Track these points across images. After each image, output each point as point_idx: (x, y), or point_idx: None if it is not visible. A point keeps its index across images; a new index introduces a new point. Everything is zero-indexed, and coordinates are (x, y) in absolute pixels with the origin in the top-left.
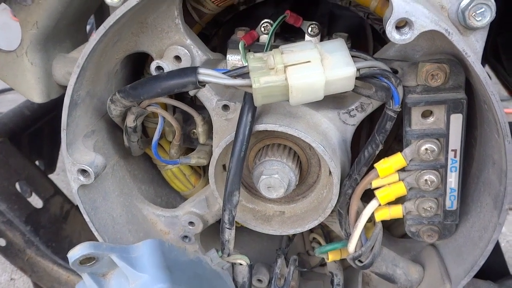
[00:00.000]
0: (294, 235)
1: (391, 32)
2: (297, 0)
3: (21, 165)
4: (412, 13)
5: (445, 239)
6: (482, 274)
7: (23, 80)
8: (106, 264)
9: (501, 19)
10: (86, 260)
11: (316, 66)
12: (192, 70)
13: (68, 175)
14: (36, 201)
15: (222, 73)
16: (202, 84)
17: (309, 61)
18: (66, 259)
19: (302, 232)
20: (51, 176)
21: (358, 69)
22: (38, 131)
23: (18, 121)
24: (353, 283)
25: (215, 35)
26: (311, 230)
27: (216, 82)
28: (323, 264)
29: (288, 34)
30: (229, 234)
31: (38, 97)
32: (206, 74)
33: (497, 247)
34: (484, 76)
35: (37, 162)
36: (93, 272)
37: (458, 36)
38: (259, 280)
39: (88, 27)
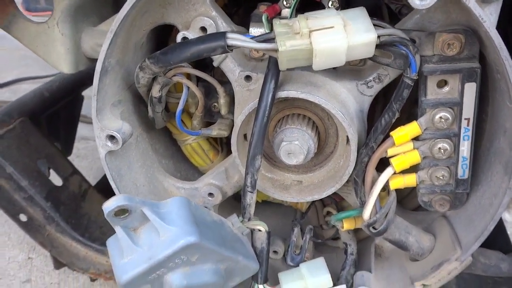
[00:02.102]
0: (308, 209)
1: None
2: None
3: (41, 144)
4: None
5: (456, 210)
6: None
7: (53, 51)
8: (138, 218)
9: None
10: (120, 212)
11: (339, 32)
12: (221, 34)
13: (96, 141)
14: (55, 180)
15: (249, 37)
16: (231, 48)
17: (332, 27)
18: (84, 236)
19: (316, 207)
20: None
21: (378, 36)
22: (55, 114)
23: (37, 101)
24: (365, 255)
25: (236, 14)
26: (324, 205)
27: (244, 45)
28: (336, 238)
29: (309, 9)
30: (251, 198)
31: (67, 67)
32: (234, 38)
33: (501, 224)
34: (499, 41)
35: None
36: (125, 225)
37: (474, 3)
38: (275, 252)
39: None
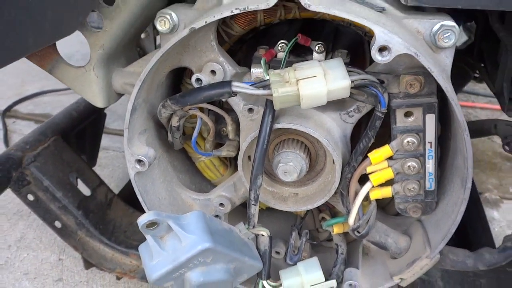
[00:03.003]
0: (305, 215)
1: (375, 55)
2: (307, 20)
3: (72, 159)
4: (389, 41)
5: (428, 215)
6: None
7: (89, 90)
8: (164, 229)
9: (484, 28)
10: (150, 225)
11: (320, 80)
12: (228, 83)
13: (127, 164)
14: (84, 191)
15: (250, 85)
16: (235, 93)
17: (315, 76)
18: (111, 239)
19: (313, 213)
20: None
21: (352, 81)
22: (82, 131)
23: (67, 121)
24: (354, 254)
25: (240, 50)
26: (320, 211)
27: (246, 92)
28: (329, 239)
29: (300, 50)
30: (254, 209)
31: (101, 103)
32: (238, 86)
33: (485, 223)
34: (445, 86)
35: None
36: (154, 234)
37: (424, 56)
38: (277, 252)
39: None
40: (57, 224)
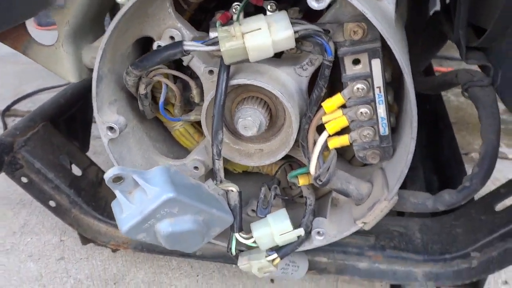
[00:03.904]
0: (276, 172)
1: (310, 1)
2: None
3: (61, 143)
4: None
5: (387, 161)
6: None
7: (61, 67)
8: (131, 184)
9: None
10: (116, 179)
11: (264, 32)
12: (179, 42)
13: (100, 132)
14: (76, 172)
15: (201, 43)
16: (187, 52)
17: (260, 28)
18: (104, 215)
19: (286, 171)
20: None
21: (296, 31)
22: (72, 117)
23: (55, 108)
24: (324, 206)
25: (204, 20)
26: (292, 168)
27: (196, 49)
28: (302, 196)
29: (257, 12)
30: (219, 164)
31: (73, 77)
32: (189, 45)
33: (461, 166)
34: (381, 28)
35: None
36: (122, 189)
37: (360, 2)
38: (253, 210)
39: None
40: (52, 203)
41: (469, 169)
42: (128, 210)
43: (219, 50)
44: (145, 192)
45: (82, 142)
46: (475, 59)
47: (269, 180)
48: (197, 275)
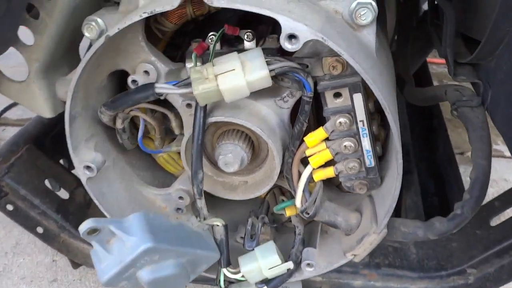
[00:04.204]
0: (264, 199)
1: (284, 43)
2: None
3: (47, 165)
4: (295, 29)
5: (375, 190)
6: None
7: (34, 102)
8: (108, 234)
9: None
10: (92, 231)
11: (238, 73)
12: (151, 85)
13: (77, 171)
14: (63, 194)
15: (173, 85)
16: (159, 94)
17: (233, 69)
18: None
19: (275, 195)
20: (74, 171)
21: (272, 70)
22: (58, 134)
23: (39, 128)
24: (314, 232)
25: (183, 43)
26: (282, 193)
27: (168, 92)
28: (291, 220)
29: (234, 40)
30: (200, 203)
31: (48, 113)
32: (160, 87)
33: (460, 183)
34: (358, 67)
35: (61, 161)
36: (99, 240)
37: (335, 39)
38: (242, 237)
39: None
40: (39, 229)
41: (464, 170)
42: (107, 261)
43: (192, 93)
44: (123, 241)
45: (70, 159)
46: (464, 75)
47: (257, 205)
48: None
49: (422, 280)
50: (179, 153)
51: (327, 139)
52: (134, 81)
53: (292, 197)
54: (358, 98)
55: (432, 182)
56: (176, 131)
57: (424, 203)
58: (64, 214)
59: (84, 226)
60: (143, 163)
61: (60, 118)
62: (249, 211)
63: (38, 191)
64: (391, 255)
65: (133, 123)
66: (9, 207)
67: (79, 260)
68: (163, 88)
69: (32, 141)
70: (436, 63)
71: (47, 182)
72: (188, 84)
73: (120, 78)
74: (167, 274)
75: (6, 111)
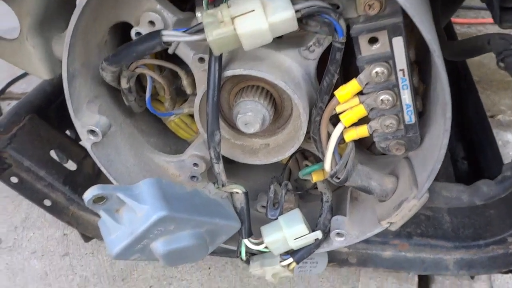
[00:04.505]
0: (286, 164)
1: None
2: None
3: (51, 135)
4: None
5: (414, 151)
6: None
7: (29, 62)
8: (116, 202)
9: None
10: (98, 200)
11: (259, 14)
12: (156, 33)
13: (80, 136)
14: (70, 166)
15: (182, 31)
16: (168, 43)
17: (253, 10)
18: None
19: (297, 160)
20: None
21: (298, 10)
22: (62, 104)
23: (42, 97)
24: (343, 199)
25: None
26: (305, 158)
27: (178, 40)
28: (317, 187)
29: None
30: (218, 168)
31: (45, 74)
32: (168, 35)
33: (495, 148)
34: (403, 2)
35: (68, 132)
36: (106, 208)
37: None
38: (263, 206)
39: None
40: (47, 202)
41: (495, 134)
42: (117, 231)
43: (205, 40)
44: (134, 210)
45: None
46: None
47: (278, 171)
48: (209, 268)
49: (458, 250)
50: (191, 116)
51: (360, 93)
52: (138, 34)
53: (318, 161)
54: (399, 42)
55: (461, 146)
56: (188, 90)
57: (454, 168)
58: (72, 186)
59: (89, 194)
60: (153, 128)
61: (61, 87)
62: (269, 178)
63: (43, 162)
64: (423, 223)
65: (140, 85)
66: (14, 180)
67: (90, 233)
68: (171, 36)
69: (35, 111)
70: (460, 23)
71: (53, 153)
72: (201, 30)
73: (123, 32)
74: (183, 245)
75: (11, 85)
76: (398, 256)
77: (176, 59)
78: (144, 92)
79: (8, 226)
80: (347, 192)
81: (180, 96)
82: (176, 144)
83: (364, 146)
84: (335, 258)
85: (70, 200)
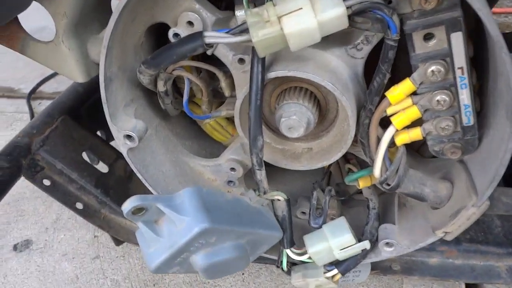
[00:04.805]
0: (328, 168)
1: None
2: None
3: (83, 137)
4: None
5: (471, 154)
6: None
7: (65, 65)
8: (156, 213)
9: None
10: (137, 211)
11: (307, 12)
12: (199, 34)
13: (116, 141)
14: (102, 167)
15: (225, 32)
16: (210, 45)
17: (300, 8)
18: None
19: (339, 163)
20: (113, 142)
21: (349, 7)
22: (94, 105)
23: (74, 98)
24: (390, 207)
25: None
26: (347, 161)
27: (221, 42)
28: (361, 192)
29: None
30: (260, 174)
31: (80, 77)
32: (211, 36)
33: None
34: None
35: (98, 133)
36: (145, 220)
37: None
38: (303, 212)
39: None
40: (78, 205)
41: None
42: (156, 244)
43: (250, 41)
44: (173, 222)
45: (108, 130)
46: None
47: (317, 173)
48: (243, 274)
49: (511, 256)
50: (227, 118)
51: (414, 93)
52: (176, 35)
53: (360, 163)
54: (458, 38)
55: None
56: (226, 93)
57: None
58: (104, 189)
59: (129, 205)
60: (188, 131)
61: (95, 86)
62: (307, 181)
63: (76, 165)
64: (472, 228)
65: (176, 87)
66: (46, 182)
67: (122, 237)
68: (214, 37)
69: (67, 112)
70: (497, 13)
71: (84, 155)
72: (245, 31)
73: (159, 35)
74: (225, 258)
75: (42, 85)
76: (445, 263)
77: (213, 60)
78: (180, 94)
79: (39, 228)
80: (394, 197)
81: (217, 98)
82: (211, 146)
83: (412, 148)
84: (378, 266)
85: (102, 203)
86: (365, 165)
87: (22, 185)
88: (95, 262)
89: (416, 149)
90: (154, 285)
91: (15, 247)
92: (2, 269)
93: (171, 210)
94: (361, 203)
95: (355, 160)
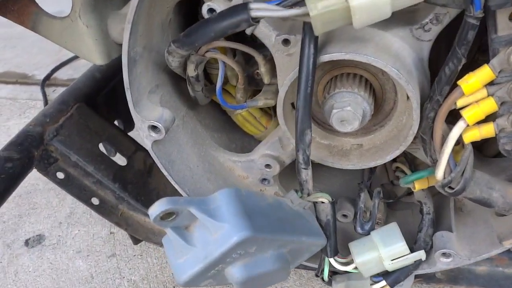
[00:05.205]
0: (374, 168)
1: None
2: None
3: (100, 126)
4: None
5: None
6: None
7: (82, 44)
8: (187, 217)
9: None
10: (166, 216)
11: None
12: (243, 6)
13: (139, 133)
14: (120, 160)
15: (275, 4)
16: (256, 20)
17: None
18: None
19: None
20: (131, 133)
21: None
22: (112, 92)
23: (90, 84)
24: (444, 210)
25: None
26: (394, 159)
27: (271, 15)
28: (409, 193)
29: None
30: (306, 174)
31: (99, 59)
32: (258, 9)
33: None
34: None
35: (116, 122)
36: (175, 225)
37: None
38: (344, 215)
39: None
40: (94, 201)
41: None
42: (187, 254)
43: (306, 15)
44: (208, 229)
45: (126, 120)
46: None
47: (357, 172)
48: None
49: None
50: (261, 109)
51: (490, 83)
52: (211, 10)
53: (409, 162)
54: None
55: None
56: (266, 79)
57: None
58: (122, 183)
59: (157, 209)
60: (216, 122)
61: (114, 71)
62: (346, 180)
63: (92, 157)
64: None
65: (205, 73)
66: (60, 175)
67: (141, 235)
68: (263, 10)
69: (83, 99)
70: None
71: (101, 147)
72: (300, 2)
73: (187, 12)
74: (265, 270)
75: (57, 71)
76: (495, 272)
77: (247, 41)
78: (210, 81)
79: (52, 222)
80: (449, 201)
81: (251, 86)
82: (241, 139)
83: (473, 146)
84: (421, 274)
85: (120, 199)
86: (413, 163)
87: (35, 176)
88: (111, 261)
89: (477, 147)
90: (174, 286)
91: (26, 243)
92: (13, 266)
93: (206, 215)
94: (409, 206)
95: (403, 158)
